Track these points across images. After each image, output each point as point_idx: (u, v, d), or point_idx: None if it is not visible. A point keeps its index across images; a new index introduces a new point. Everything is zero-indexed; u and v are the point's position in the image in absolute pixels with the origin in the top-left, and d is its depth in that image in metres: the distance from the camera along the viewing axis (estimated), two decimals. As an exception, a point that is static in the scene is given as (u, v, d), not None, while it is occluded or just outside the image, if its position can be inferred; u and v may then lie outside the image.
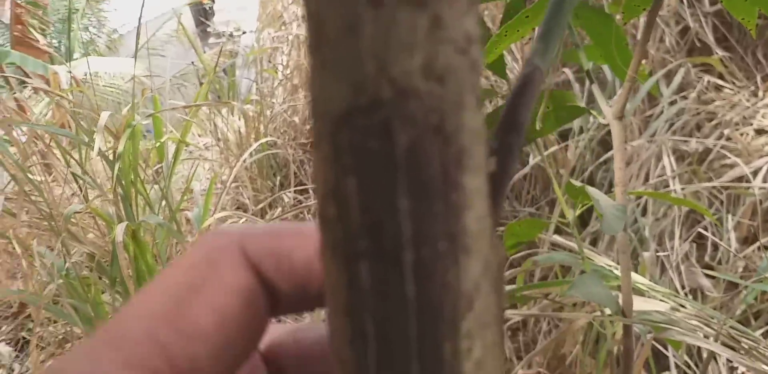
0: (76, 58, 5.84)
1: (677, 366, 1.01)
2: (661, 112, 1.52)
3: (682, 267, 1.20)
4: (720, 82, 1.59)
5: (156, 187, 1.61)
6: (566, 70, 1.58)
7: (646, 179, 1.42)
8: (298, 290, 0.16)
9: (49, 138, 1.67)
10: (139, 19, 1.82)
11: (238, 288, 0.15)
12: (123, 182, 1.42)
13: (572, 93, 0.68)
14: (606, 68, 1.40)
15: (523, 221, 0.67)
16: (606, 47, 0.58)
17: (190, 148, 2.45)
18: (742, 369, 0.96)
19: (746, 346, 0.66)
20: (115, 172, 1.38)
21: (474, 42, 0.11)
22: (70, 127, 2.11)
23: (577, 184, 0.58)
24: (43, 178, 1.59)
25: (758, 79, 1.60)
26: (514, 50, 1.71)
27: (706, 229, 1.28)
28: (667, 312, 0.62)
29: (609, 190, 1.44)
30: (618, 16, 0.57)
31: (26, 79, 3.33)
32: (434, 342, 0.11)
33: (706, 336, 0.64)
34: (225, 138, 2.34)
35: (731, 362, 0.98)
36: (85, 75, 3.08)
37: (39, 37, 4.73)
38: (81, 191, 1.57)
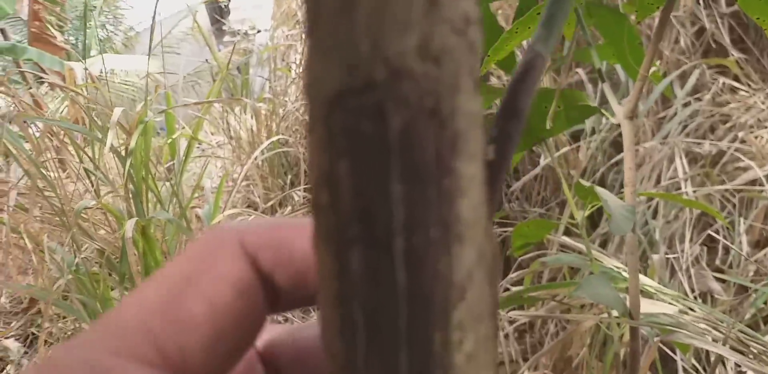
0: (93, 55, 5.89)
1: (685, 369, 1.00)
2: (675, 114, 1.51)
3: (692, 271, 1.19)
4: (735, 84, 1.57)
5: (167, 183, 1.61)
6: (579, 70, 1.57)
7: (658, 181, 1.41)
8: (298, 283, 0.15)
9: (63, 134, 1.69)
10: (154, 17, 1.83)
11: (232, 279, 0.15)
12: (134, 178, 1.43)
13: (584, 92, 0.68)
14: (620, 69, 1.39)
15: (531, 222, 0.67)
16: (618, 46, 0.57)
17: (202, 145, 2.47)
18: (750, 373, 0.95)
19: (755, 350, 0.66)
20: (127, 168, 1.38)
21: (472, 23, 0.10)
22: (84, 124, 2.13)
23: (586, 184, 0.58)
24: (56, 174, 1.60)
25: (774, 81, 1.58)
26: (526, 47, 1.70)
27: (717, 232, 1.27)
28: (675, 314, 0.61)
29: (620, 192, 1.43)
30: (632, 16, 0.57)
31: (43, 75, 3.37)
32: (424, 333, 0.11)
33: (714, 340, 0.63)
34: (237, 136, 2.35)
35: (739, 366, 0.97)
36: (101, 72, 3.11)
37: (56, 33, 4.78)
38: (93, 186, 1.58)
